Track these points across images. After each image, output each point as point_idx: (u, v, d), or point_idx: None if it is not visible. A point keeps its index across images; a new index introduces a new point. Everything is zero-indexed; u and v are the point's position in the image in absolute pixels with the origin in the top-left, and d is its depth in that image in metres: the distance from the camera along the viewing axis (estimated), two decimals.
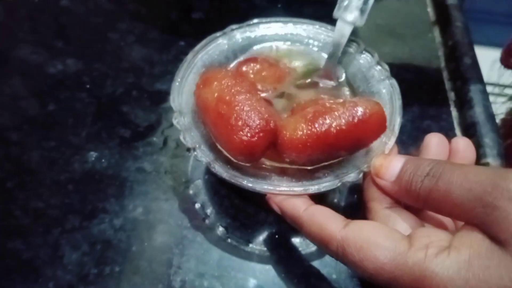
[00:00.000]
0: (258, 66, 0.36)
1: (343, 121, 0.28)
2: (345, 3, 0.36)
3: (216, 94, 0.30)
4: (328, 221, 0.26)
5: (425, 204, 0.26)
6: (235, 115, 0.29)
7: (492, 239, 0.22)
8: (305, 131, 0.28)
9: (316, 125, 0.28)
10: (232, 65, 0.37)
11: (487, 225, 0.22)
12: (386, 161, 0.28)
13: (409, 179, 0.26)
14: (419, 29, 0.48)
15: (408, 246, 0.24)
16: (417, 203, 0.26)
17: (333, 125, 0.28)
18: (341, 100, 0.30)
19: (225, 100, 0.30)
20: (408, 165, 0.27)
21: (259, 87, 0.36)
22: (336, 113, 0.28)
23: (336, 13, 0.36)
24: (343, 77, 0.37)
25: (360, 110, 0.28)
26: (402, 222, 0.27)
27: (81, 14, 0.49)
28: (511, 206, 0.21)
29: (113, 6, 0.50)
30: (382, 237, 0.24)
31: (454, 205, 0.24)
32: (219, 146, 0.31)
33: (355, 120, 0.28)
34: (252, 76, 0.36)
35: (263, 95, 0.35)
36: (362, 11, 0.36)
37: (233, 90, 0.30)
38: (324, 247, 0.26)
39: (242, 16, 0.40)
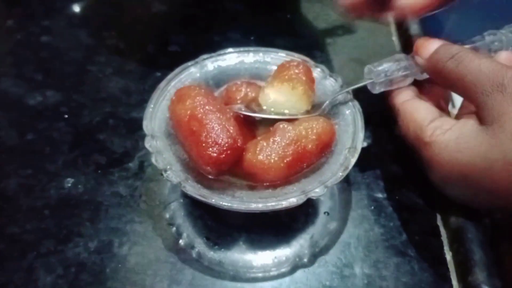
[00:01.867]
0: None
1: (295, 146, 0.32)
2: (380, 66, 0.37)
3: (189, 111, 0.32)
4: (395, 96, 0.37)
5: (444, 81, 0.34)
6: (205, 132, 0.31)
7: (481, 123, 0.30)
8: (256, 156, 0.32)
9: (270, 151, 0.32)
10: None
11: (481, 108, 0.30)
12: (426, 42, 0.35)
13: (437, 58, 0.34)
14: (385, 57, 0.50)
15: (429, 122, 0.33)
16: (438, 79, 0.34)
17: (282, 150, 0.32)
18: (295, 126, 0.33)
19: (197, 118, 0.32)
20: (441, 47, 0.34)
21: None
22: (290, 137, 0.32)
23: (367, 67, 0.37)
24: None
25: (314, 134, 0.33)
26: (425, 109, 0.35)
27: (61, 49, 0.51)
28: (499, 96, 0.29)
29: (92, 41, 0.52)
30: (419, 112, 0.35)
31: (465, 87, 0.32)
32: (187, 158, 0.33)
33: (309, 145, 0.33)
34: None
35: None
36: (387, 80, 0.37)
37: (205, 109, 0.32)
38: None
39: (216, 48, 0.42)
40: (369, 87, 0.37)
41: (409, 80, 0.37)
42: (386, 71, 0.37)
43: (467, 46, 0.36)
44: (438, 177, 0.33)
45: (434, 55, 0.34)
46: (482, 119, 0.31)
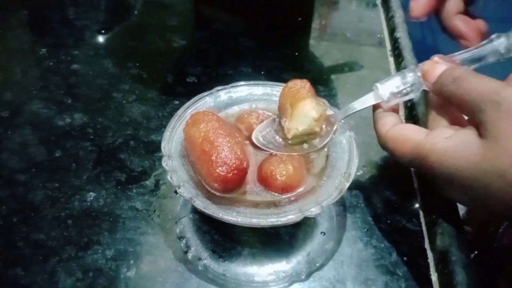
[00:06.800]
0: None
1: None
2: (387, 82, 0.40)
3: (202, 134, 0.36)
4: (380, 126, 0.39)
5: (449, 103, 0.37)
6: (216, 153, 0.35)
7: (479, 135, 0.33)
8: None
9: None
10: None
11: (479, 124, 0.33)
12: (432, 68, 0.38)
13: (441, 83, 0.36)
14: None
15: (425, 136, 0.36)
16: (444, 101, 0.37)
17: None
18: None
19: (209, 140, 0.36)
20: (445, 72, 0.36)
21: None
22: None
23: (375, 85, 0.40)
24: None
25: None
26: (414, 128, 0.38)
27: (89, 76, 0.56)
28: (494, 113, 0.32)
29: (117, 70, 0.57)
30: (410, 132, 0.37)
31: (465, 107, 0.35)
32: (198, 177, 0.37)
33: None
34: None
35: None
36: (394, 96, 0.40)
37: (216, 132, 0.36)
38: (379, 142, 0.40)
39: (230, 81, 0.46)
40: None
41: (417, 92, 0.39)
42: (391, 91, 0.39)
43: (473, 52, 0.39)
44: (441, 183, 0.36)
45: (439, 79, 0.37)
46: (480, 134, 0.33)
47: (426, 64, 0.38)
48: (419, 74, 0.39)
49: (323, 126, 0.41)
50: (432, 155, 0.34)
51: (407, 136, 0.37)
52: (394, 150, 0.38)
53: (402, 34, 0.59)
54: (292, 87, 0.41)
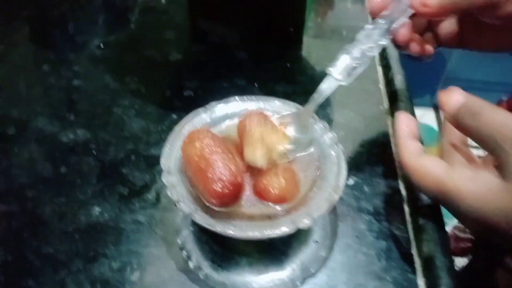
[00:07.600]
0: None
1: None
2: (338, 63, 0.43)
3: (198, 151, 0.38)
4: (405, 156, 0.39)
5: (468, 135, 0.37)
6: (211, 170, 0.37)
7: (502, 176, 0.33)
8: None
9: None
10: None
11: (502, 164, 0.33)
12: (448, 98, 0.38)
13: (461, 117, 0.36)
14: (371, 102, 0.57)
15: (444, 171, 0.36)
16: (463, 133, 0.38)
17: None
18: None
19: (204, 157, 0.38)
20: (465, 105, 0.36)
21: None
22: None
23: (328, 69, 0.43)
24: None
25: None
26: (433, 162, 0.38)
27: (90, 92, 0.59)
28: None
29: (117, 86, 0.60)
30: (430, 165, 0.37)
31: (485, 143, 0.35)
32: (196, 192, 0.40)
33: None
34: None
35: None
36: (349, 74, 0.43)
37: (211, 149, 0.38)
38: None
39: (225, 93, 0.48)
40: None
41: (366, 63, 0.43)
42: (346, 71, 0.43)
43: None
44: (462, 219, 0.36)
45: (458, 113, 0.36)
46: (501, 173, 0.33)
47: (443, 95, 0.38)
48: (363, 47, 0.42)
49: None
50: (454, 195, 0.35)
51: (427, 169, 0.37)
52: (417, 183, 0.38)
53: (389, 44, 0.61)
54: (237, 131, 0.43)
